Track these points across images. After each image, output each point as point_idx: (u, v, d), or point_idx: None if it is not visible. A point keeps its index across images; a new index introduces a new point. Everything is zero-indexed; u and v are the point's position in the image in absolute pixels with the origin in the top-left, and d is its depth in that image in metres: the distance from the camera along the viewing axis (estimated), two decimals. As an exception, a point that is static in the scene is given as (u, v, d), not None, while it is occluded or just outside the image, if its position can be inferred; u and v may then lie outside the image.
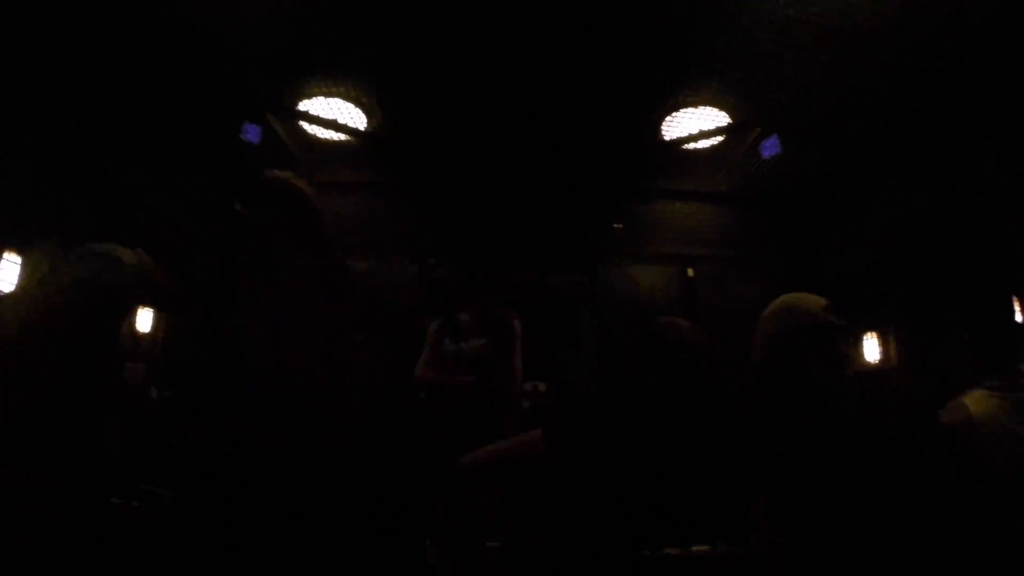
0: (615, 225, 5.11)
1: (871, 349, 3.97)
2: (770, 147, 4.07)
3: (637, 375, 1.89)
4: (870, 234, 4.23)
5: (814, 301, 1.88)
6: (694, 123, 4.17)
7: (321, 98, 3.99)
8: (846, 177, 4.43)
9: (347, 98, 3.99)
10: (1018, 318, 2.51)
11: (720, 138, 4.34)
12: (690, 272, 4.98)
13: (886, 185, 4.12)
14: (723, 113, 4.07)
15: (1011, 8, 2.63)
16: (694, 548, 1.59)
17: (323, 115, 4.13)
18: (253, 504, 1.72)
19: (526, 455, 2.07)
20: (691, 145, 4.44)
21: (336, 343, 1.92)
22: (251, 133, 3.96)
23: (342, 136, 4.38)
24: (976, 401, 1.89)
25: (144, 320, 3.89)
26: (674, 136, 4.34)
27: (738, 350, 4.89)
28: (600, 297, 4.96)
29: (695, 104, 4.00)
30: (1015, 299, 2.48)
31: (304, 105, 4.06)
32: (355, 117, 4.17)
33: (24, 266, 2.35)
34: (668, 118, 4.16)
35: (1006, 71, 2.89)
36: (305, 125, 4.29)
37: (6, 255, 2.59)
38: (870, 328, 4.04)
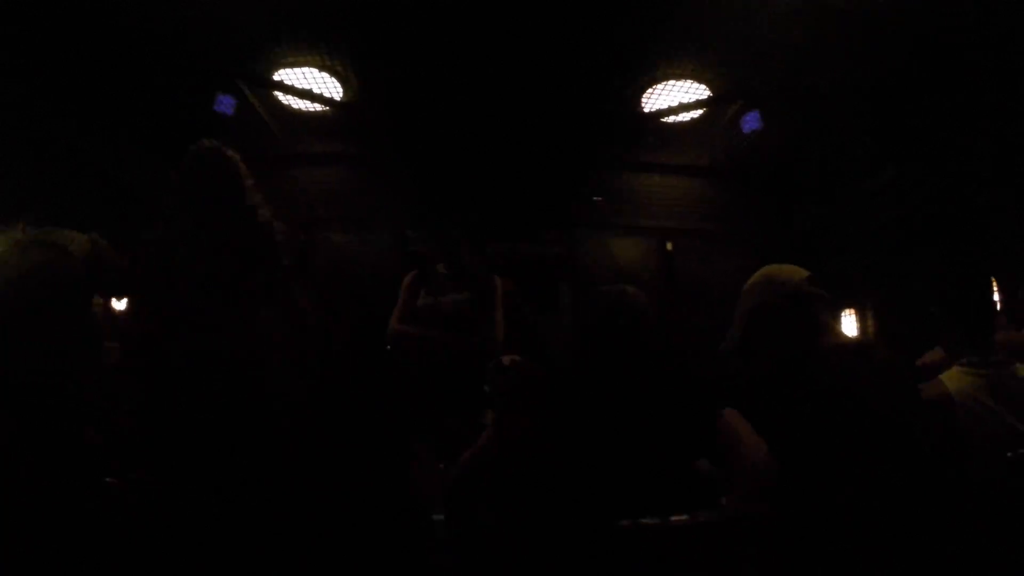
0: (595, 197, 5.10)
1: (849, 324, 4.03)
2: (751, 121, 4.08)
3: (582, 344, 1.93)
4: (849, 207, 4.27)
5: (794, 271, 1.89)
6: (675, 96, 4.16)
7: (295, 68, 3.90)
8: (824, 148, 4.45)
9: (322, 67, 3.90)
10: (995, 295, 2.56)
11: (701, 111, 4.33)
12: (669, 245, 5.00)
13: (864, 156, 4.15)
14: (703, 86, 4.06)
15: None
16: (672, 518, 1.61)
17: (298, 85, 4.04)
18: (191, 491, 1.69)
19: (507, 446, 2.09)
20: (672, 118, 4.42)
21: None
22: (224, 104, 3.87)
23: (317, 106, 4.30)
24: (952, 378, 1.91)
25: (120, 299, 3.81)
26: (655, 108, 4.32)
27: (715, 322, 4.95)
28: (578, 269, 4.97)
29: (676, 77, 3.97)
30: (993, 278, 2.52)
31: (278, 75, 3.97)
32: (330, 87, 4.09)
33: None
34: (649, 90, 4.14)
35: (987, 43, 2.90)
36: (280, 95, 4.20)
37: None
38: (849, 303, 4.10)
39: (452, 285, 3.26)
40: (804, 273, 1.89)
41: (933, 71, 3.21)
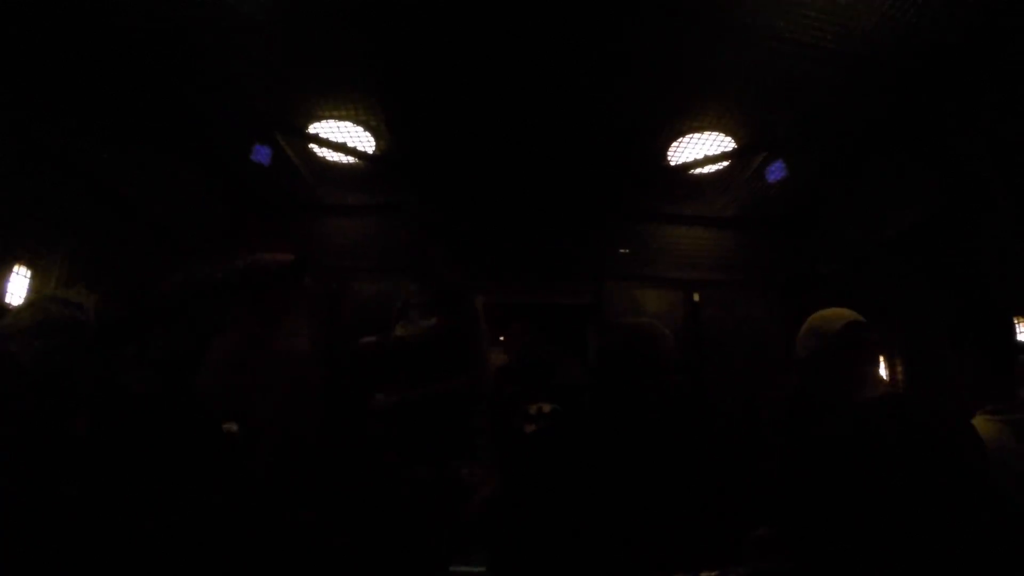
0: (621, 250, 5.13)
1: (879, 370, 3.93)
2: (775, 171, 4.10)
3: (601, 370, 1.92)
4: (866, 247, 4.22)
5: (836, 316, 1.89)
6: (701, 147, 4.20)
7: (330, 120, 4.05)
8: (840, 190, 4.44)
9: (355, 120, 4.04)
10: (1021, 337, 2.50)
11: (726, 163, 4.37)
12: (696, 296, 4.98)
13: (879, 194, 4.13)
14: (728, 138, 4.10)
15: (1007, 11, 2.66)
16: (702, 574, 1.57)
17: (332, 137, 4.18)
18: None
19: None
20: (697, 170, 4.47)
21: None
22: (261, 154, 4.01)
23: (351, 159, 4.43)
24: (978, 425, 1.87)
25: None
26: (681, 161, 4.37)
27: (743, 372, 4.89)
28: (606, 319, 4.96)
29: (701, 129, 4.03)
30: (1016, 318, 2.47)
31: (314, 128, 4.12)
32: (363, 139, 4.22)
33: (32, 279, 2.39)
34: (675, 143, 4.20)
35: (1001, 71, 2.91)
36: (315, 147, 4.34)
37: (16, 268, 2.63)
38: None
39: (424, 310, 2.76)
40: (847, 317, 1.88)
41: (954, 112, 3.22)
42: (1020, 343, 2.49)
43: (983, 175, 3.03)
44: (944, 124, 3.31)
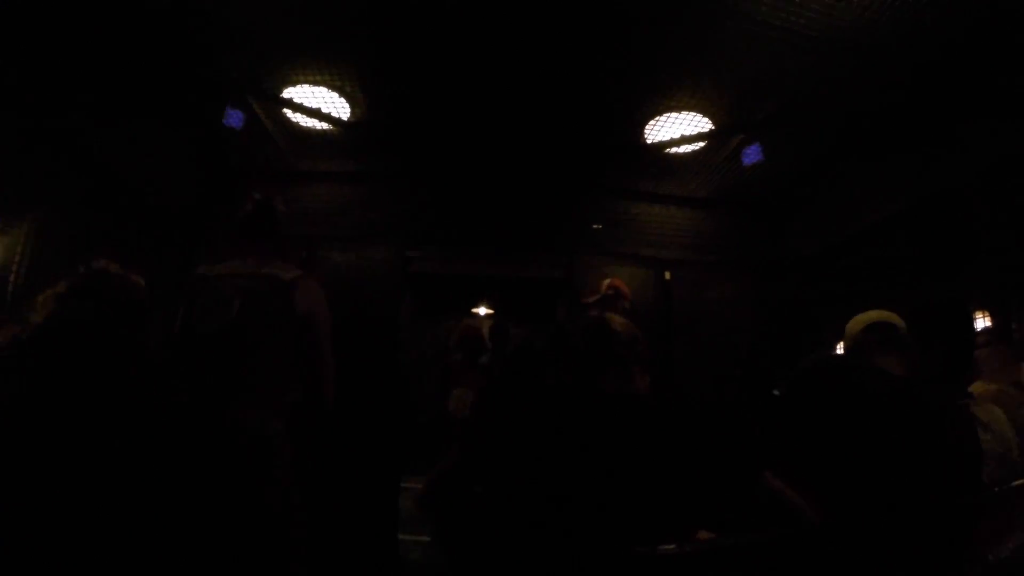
0: (594, 225, 5.15)
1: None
2: (752, 154, 4.13)
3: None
4: (844, 231, 4.30)
5: (863, 318, 2.02)
6: (678, 127, 4.22)
7: (305, 85, 3.96)
8: (819, 174, 4.50)
9: (330, 86, 3.96)
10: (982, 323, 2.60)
11: (702, 143, 4.39)
12: (667, 275, 5.04)
13: (860, 179, 4.19)
14: (706, 119, 4.12)
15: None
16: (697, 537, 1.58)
17: (306, 103, 4.10)
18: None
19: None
20: (673, 149, 4.49)
21: None
22: (233, 118, 3.91)
23: (324, 124, 4.35)
24: None
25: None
26: (657, 139, 4.38)
27: (711, 351, 4.97)
28: (576, 293, 4.99)
29: (679, 108, 4.03)
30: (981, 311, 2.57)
31: (287, 92, 4.03)
32: (338, 105, 4.15)
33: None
34: (652, 121, 4.20)
35: (991, 63, 2.96)
36: (288, 112, 4.25)
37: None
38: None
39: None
40: (868, 320, 1.96)
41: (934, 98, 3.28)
42: (976, 335, 2.59)
43: (961, 169, 3.10)
44: (927, 115, 3.37)
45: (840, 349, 2.08)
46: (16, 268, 2.65)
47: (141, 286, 1.91)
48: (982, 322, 2.72)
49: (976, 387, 2.43)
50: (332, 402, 2.28)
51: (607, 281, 3.51)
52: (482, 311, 7.80)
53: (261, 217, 2.40)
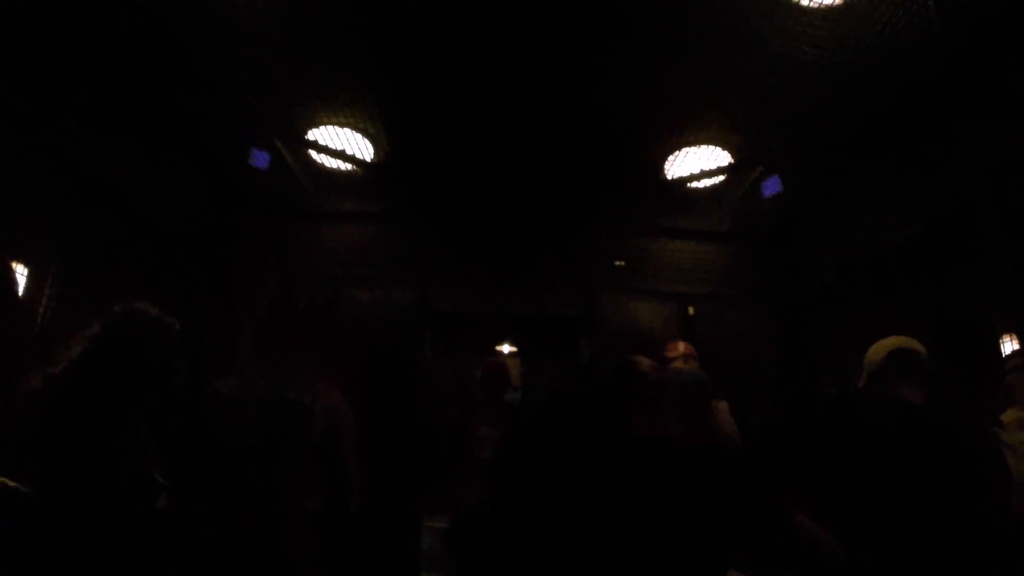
0: (616, 262, 5.15)
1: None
2: (772, 186, 4.13)
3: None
4: (862, 255, 4.24)
5: (882, 346, 1.99)
6: (697, 162, 4.23)
7: (329, 127, 4.06)
8: (833, 203, 4.47)
9: (355, 127, 4.06)
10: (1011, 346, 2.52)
11: (721, 177, 4.40)
12: (691, 310, 4.99)
13: (872, 207, 4.15)
14: (725, 152, 4.13)
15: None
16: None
17: (331, 144, 4.19)
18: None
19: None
20: (693, 184, 4.50)
21: None
22: (259, 159, 4.02)
23: (348, 166, 4.44)
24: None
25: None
26: (677, 175, 4.40)
27: (737, 384, 4.91)
28: (600, 331, 4.97)
29: (697, 143, 4.06)
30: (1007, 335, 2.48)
31: (312, 134, 4.13)
32: (362, 146, 4.24)
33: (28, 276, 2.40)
34: (671, 156, 4.22)
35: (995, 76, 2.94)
36: (313, 153, 4.35)
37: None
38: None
39: None
40: (888, 348, 1.92)
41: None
42: (1006, 360, 2.51)
43: (974, 191, 3.06)
44: (936, 138, 3.35)
45: (863, 378, 2.01)
46: (45, 302, 2.70)
47: (175, 329, 1.91)
48: (1011, 345, 2.64)
49: (1008, 415, 2.35)
50: (357, 506, 2.26)
51: (681, 344, 3.45)
52: (506, 349, 7.78)
53: (283, 313, 2.36)
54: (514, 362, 7.81)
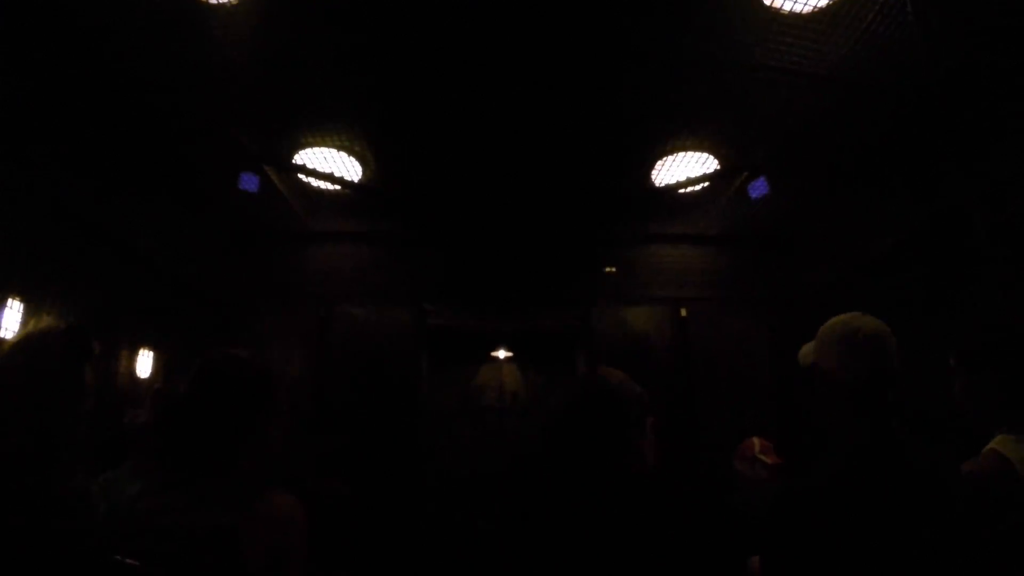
0: (608, 269, 5.17)
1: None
2: (758, 188, 4.16)
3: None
4: (851, 261, 4.27)
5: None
6: (685, 168, 4.26)
7: (316, 148, 4.06)
8: (823, 207, 4.51)
9: (341, 147, 4.06)
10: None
11: (709, 182, 4.43)
12: (683, 312, 5.03)
13: (862, 211, 4.19)
14: (711, 157, 4.16)
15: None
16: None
17: (318, 166, 4.19)
18: None
19: None
20: (681, 190, 4.52)
21: None
22: (249, 184, 4.02)
23: (337, 186, 4.45)
24: (1004, 447, 1.79)
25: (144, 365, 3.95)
26: (665, 182, 4.42)
27: (730, 385, 4.92)
28: (594, 339, 4.99)
29: (685, 149, 4.08)
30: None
31: (299, 156, 4.13)
32: (349, 166, 4.24)
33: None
34: (659, 163, 4.25)
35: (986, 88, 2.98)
36: (302, 176, 4.35)
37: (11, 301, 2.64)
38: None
39: None
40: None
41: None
42: None
43: (962, 199, 3.09)
44: (925, 147, 3.39)
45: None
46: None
47: (268, 373, 1.87)
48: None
49: None
50: None
51: (757, 443, 3.25)
52: (502, 354, 7.80)
53: (202, 401, 1.68)
54: (511, 367, 7.83)
